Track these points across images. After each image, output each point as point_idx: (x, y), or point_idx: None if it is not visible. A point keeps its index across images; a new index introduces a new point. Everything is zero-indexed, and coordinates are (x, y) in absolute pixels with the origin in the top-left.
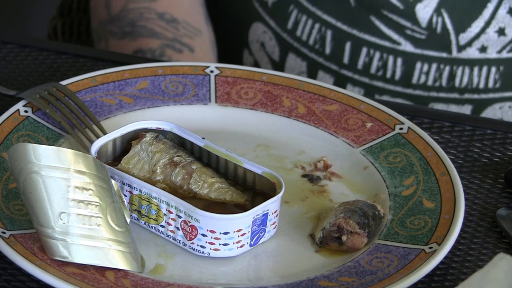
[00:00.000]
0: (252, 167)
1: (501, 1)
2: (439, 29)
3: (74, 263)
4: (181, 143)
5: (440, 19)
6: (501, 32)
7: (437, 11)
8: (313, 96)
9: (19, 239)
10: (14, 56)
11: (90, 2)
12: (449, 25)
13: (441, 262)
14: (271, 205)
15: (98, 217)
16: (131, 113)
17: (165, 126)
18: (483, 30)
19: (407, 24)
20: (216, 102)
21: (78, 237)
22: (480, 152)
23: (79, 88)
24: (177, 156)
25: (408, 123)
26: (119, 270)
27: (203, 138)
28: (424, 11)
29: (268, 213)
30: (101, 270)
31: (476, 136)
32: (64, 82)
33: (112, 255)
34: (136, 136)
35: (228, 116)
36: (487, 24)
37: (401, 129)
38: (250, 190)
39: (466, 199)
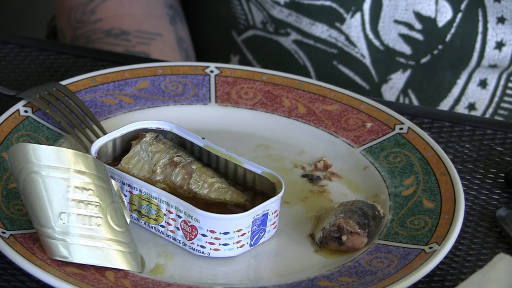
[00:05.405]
0: (252, 167)
1: (470, 75)
2: None
3: (74, 263)
4: (181, 143)
5: (407, 100)
6: (471, 107)
7: (404, 91)
8: (313, 96)
9: (19, 239)
10: (14, 56)
11: None
12: (417, 104)
13: (441, 262)
14: (271, 205)
15: (98, 217)
16: (131, 113)
17: (165, 126)
18: (452, 108)
19: None
20: (216, 102)
21: (78, 237)
22: (480, 153)
23: (79, 88)
24: (177, 156)
25: (408, 123)
26: (119, 270)
27: (203, 138)
28: (390, 92)
29: (268, 213)
30: (101, 270)
31: (476, 136)
32: (64, 82)
33: (112, 255)
34: (136, 136)
35: (228, 116)
36: (457, 101)
37: (401, 129)
38: (250, 190)
39: (466, 199)
